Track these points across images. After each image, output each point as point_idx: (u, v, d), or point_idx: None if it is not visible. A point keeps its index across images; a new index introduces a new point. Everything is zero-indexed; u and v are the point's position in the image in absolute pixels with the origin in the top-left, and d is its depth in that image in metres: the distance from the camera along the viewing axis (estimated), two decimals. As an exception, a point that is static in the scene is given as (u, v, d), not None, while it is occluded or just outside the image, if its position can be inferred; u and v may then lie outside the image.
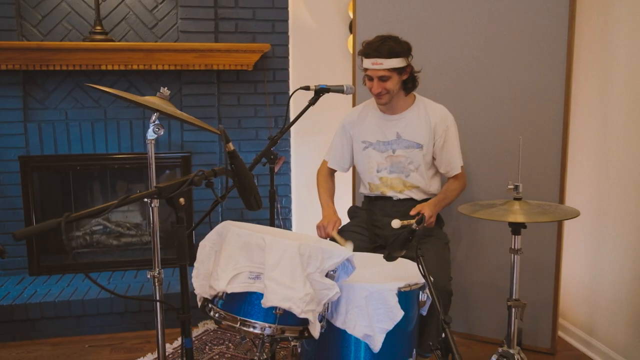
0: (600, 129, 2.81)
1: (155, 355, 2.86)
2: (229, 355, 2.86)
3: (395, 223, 2.21)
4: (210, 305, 1.69)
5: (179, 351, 2.91)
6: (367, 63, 2.36)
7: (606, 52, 2.75)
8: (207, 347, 2.95)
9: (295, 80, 3.63)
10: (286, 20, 3.56)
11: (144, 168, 3.62)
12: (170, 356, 2.82)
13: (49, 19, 3.30)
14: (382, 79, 2.36)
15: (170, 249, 3.32)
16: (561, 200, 2.75)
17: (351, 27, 3.64)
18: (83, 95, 3.38)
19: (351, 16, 3.51)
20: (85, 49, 3.11)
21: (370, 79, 2.40)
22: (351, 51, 3.54)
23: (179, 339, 3.02)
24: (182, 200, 1.39)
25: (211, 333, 3.13)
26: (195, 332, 3.12)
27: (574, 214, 1.89)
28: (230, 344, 2.99)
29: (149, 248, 3.72)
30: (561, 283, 2.88)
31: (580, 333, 2.96)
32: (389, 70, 2.34)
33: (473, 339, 3.05)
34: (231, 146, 1.53)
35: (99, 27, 3.21)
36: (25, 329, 3.06)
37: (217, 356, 2.85)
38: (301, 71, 3.69)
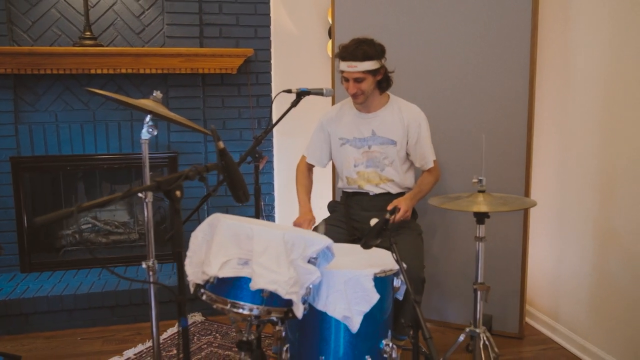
0: (561, 128, 3.02)
1: (146, 346, 3.00)
2: (217, 344, 3.01)
3: (373, 221, 2.39)
4: (202, 290, 1.85)
5: (169, 341, 3.06)
6: (344, 66, 2.54)
7: (567, 56, 2.96)
8: (195, 337, 3.10)
9: (277, 83, 3.79)
10: (268, 26, 3.73)
11: (132, 168, 3.76)
12: (161, 345, 2.96)
13: (39, 24, 3.42)
14: (357, 80, 2.53)
15: (157, 245, 3.45)
16: (526, 194, 2.96)
17: (330, 32, 3.82)
18: (72, 98, 3.50)
19: (330, 22, 3.69)
20: (76, 53, 3.24)
21: (347, 80, 2.57)
22: (330, 55, 3.72)
23: (169, 330, 3.17)
24: (178, 192, 1.54)
25: (199, 325, 3.28)
26: (184, 324, 3.26)
27: (532, 204, 2.09)
28: (217, 335, 3.14)
29: (137, 245, 3.88)
30: (528, 272, 3.08)
31: (546, 318, 3.17)
32: (363, 72, 2.51)
33: (447, 326, 3.24)
34: (221, 144, 1.68)
35: (88, 33, 3.33)
36: (19, 323, 3.18)
37: (205, 345, 3.00)
38: (283, 74, 3.86)
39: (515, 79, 2.93)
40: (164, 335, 3.11)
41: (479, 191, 2.17)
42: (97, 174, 3.82)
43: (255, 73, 3.74)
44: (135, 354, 2.91)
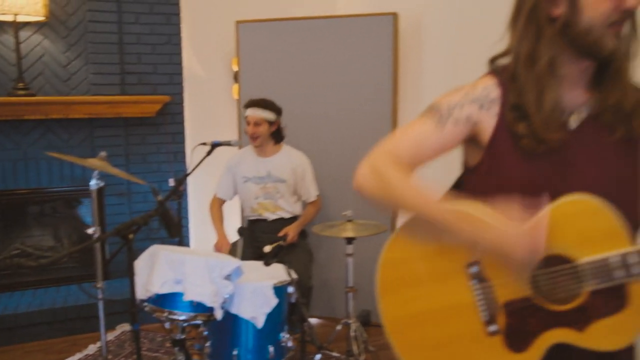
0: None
1: (83, 354, 3.53)
2: (146, 349, 3.61)
3: (267, 248, 3.12)
4: (145, 304, 2.48)
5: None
6: (249, 112, 3.35)
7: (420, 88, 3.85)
8: (126, 344, 3.67)
9: (189, 122, 4.42)
10: (180, 74, 4.35)
11: (59, 199, 4.23)
12: (99, 351, 3.51)
13: (-27, 75, 3.83)
14: (257, 123, 3.31)
15: (84, 267, 3.96)
16: (393, 221, 3.79)
17: (235, 77, 4.50)
18: (5, 139, 3.93)
19: (234, 68, 4.38)
20: (11, 103, 3.70)
21: (248, 123, 3.34)
22: (235, 97, 4.41)
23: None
24: (131, 235, 2.19)
25: (128, 333, 3.84)
26: (114, 334, 3.81)
27: (384, 229, 2.92)
28: (145, 340, 3.73)
29: (64, 267, 4.34)
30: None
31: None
32: (262, 118, 3.31)
33: (335, 321, 4.00)
34: (160, 197, 2.34)
35: (21, 84, 3.79)
36: (-37, 342, 3.58)
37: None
38: (194, 114, 4.49)
39: (381, 123, 3.76)
40: (98, 345, 3.65)
41: (348, 221, 2.97)
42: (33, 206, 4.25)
43: (170, 114, 4.34)
44: (75, 362, 3.45)
